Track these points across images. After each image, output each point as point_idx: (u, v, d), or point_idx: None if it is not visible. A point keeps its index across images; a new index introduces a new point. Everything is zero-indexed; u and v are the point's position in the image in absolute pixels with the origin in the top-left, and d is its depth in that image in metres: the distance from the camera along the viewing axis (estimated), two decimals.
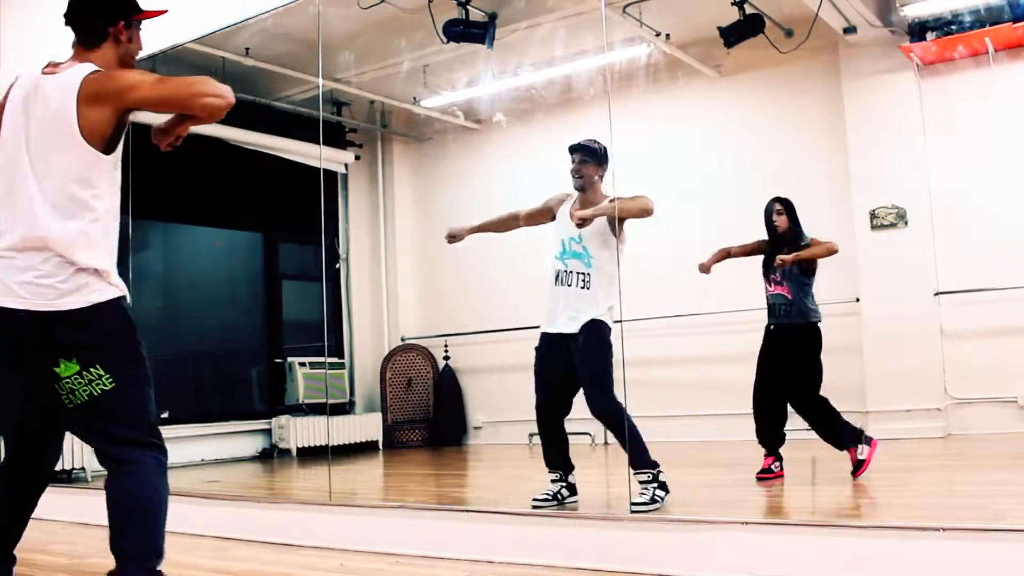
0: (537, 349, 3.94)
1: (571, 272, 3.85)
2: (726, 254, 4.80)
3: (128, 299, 2.51)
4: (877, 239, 6.26)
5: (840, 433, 4.45)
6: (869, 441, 4.40)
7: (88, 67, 2.44)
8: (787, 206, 4.69)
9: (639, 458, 3.66)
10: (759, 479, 4.44)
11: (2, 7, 5.92)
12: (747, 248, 4.78)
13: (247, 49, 6.39)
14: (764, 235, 4.74)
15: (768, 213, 4.70)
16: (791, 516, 3.75)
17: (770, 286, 4.64)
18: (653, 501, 3.51)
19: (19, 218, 2.40)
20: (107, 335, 2.41)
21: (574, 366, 3.81)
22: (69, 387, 2.37)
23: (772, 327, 4.62)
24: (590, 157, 3.92)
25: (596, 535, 3.31)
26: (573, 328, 3.80)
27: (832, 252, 4.56)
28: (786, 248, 4.57)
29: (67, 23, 2.56)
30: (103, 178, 2.43)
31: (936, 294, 6.05)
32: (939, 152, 6.08)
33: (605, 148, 3.95)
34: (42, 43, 5.65)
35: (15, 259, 2.38)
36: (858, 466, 4.37)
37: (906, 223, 6.19)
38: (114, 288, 2.45)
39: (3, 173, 2.45)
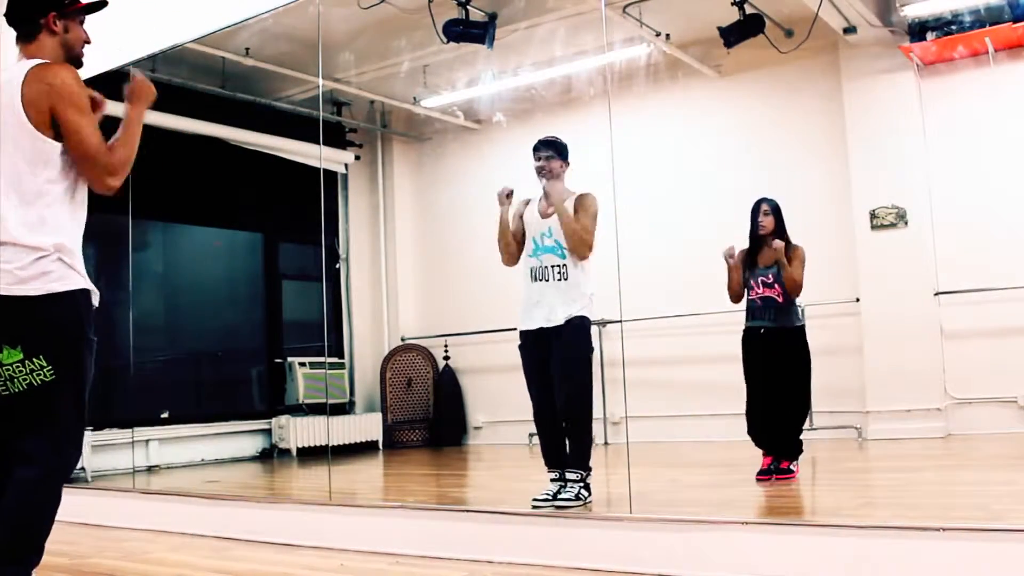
0: (521, 348, 3.94)
1: (546, 267, 3.88)
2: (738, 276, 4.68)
3: (94, 296, 2.48)
4: (877, 239, 6.26)
5: (798, 444, 4.54)
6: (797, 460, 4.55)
7: (33, 61, 2.48)
8: (774, 208, 4.65)
9: (582, 460, 3.78)
10: (759, 480, 4.44)
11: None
12: (739, 261, 4.68)
13: (247, 49, 6.39)
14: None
15: (755, 213, 4.66)
16: (791, 516, 3.75)
17: (759, 288, 4.58)
18: (578, 498, 3.66)
19: None
20: (58, 326, 2.40)
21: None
22: (8, 374, 2.36)
23: (762, 330, 4.56)
24: (556, 152, 3.99)
25: (596, 535, 3.31)
26: (556, 322, 3.82)
27: (796, 285, 4.51)
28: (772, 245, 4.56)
29: (7, 22, 2.61)
30: (56, 162, 2.44)
31: (936, 294, 6.04)
32: (939, 152, 6.08)
33: (566, 144, 4.04)
34: None
35: None
36: (782, 472, 4.42)
37: (906, 223, 6.19)
38: (77, 278, 2.44)
39: None
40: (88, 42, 2.62)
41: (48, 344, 2.38)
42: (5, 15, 2.61)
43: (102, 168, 2.45)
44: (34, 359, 2.36)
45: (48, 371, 2.36)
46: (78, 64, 2.60)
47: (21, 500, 2.36)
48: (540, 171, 3.98)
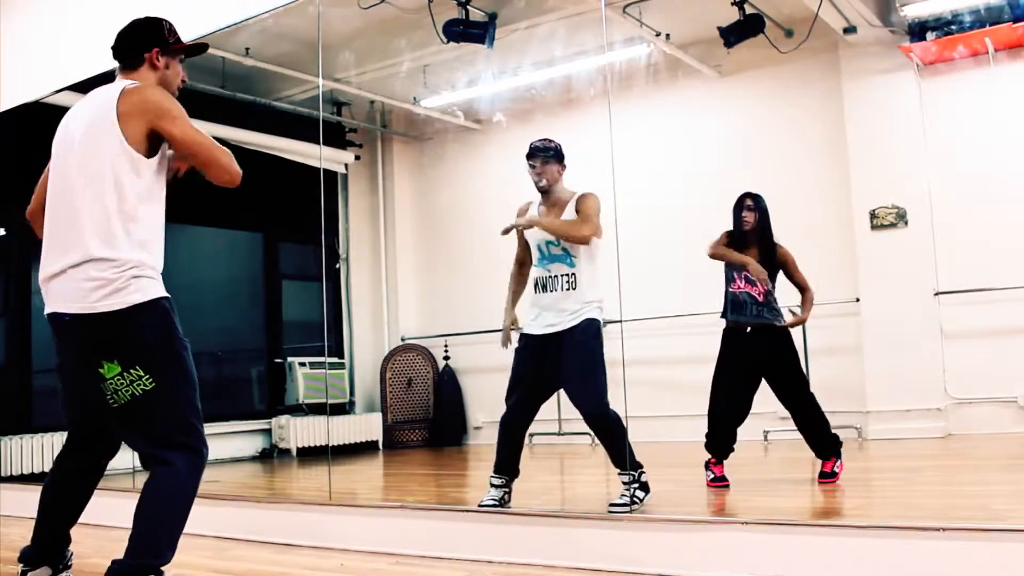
0: (521, 350, 3.78)
1: (555, 276, 3.73)
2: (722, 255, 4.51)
3: (170, 301, 2.62)
4: (877, 239, 6.26)
5: (830, 440, 4.35)
6: (841, 457, 4.34)
7: (125, 82, 2.61)
8: (757, 202, 4.48)
9: (624, 461, 3.63)
10: (713, 486, 4.35)
11: (1, 15, 5.92)
12: (724, 243, 4.49)
13: (247, 49, 6.39)
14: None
15: (738, 207, 4.47)
16: (791, 516, 3.74)
17: (741, 282, 4.41)
18: (632, 503, 3.51)
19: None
20: (146, 336, 2.52)
21: (553, 368, 3.69)
22: (112, 388, 2.48)
23: (748, 328, 4.39)
24: (552, 157, 3.83)
25: (596, 535, 3.31)
26: (561, 327, 3.67)
27: (809, 290, 4.43)
28: (755, 249, 4.42)
29: (113, 55, 2.73)
30: (146, 178, 2.60)
31: (936, 294, 6.04)
32: (939, 152, 6.08)
33: (560, 145, 3.89)
34: (42, 48, 5.66)
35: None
36: (830, 476, 4.28)
37: (906, 223, 6.19)
38: (156, 288, 2.58)
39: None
40: (186, 81, 2.74)
41: (142, 355, 2.49)
42: (112, 47, 2.73)
43: (217, 167, 2.62)
44: (131, 371, 2.47)
45: (148, 380, 2.48)
46: None
47: (154, 499, 2.54)
48: (539, 177, 3.82)
